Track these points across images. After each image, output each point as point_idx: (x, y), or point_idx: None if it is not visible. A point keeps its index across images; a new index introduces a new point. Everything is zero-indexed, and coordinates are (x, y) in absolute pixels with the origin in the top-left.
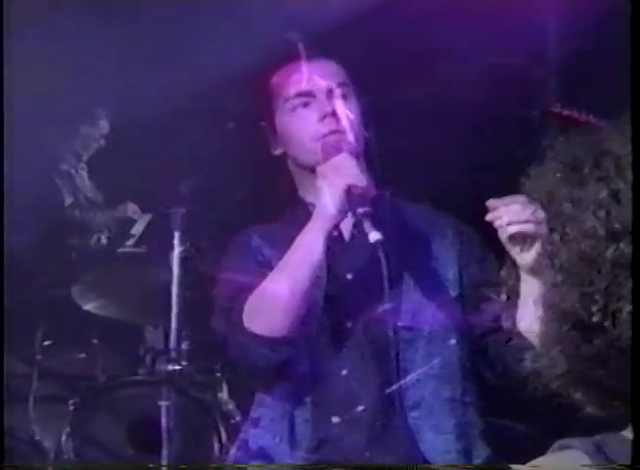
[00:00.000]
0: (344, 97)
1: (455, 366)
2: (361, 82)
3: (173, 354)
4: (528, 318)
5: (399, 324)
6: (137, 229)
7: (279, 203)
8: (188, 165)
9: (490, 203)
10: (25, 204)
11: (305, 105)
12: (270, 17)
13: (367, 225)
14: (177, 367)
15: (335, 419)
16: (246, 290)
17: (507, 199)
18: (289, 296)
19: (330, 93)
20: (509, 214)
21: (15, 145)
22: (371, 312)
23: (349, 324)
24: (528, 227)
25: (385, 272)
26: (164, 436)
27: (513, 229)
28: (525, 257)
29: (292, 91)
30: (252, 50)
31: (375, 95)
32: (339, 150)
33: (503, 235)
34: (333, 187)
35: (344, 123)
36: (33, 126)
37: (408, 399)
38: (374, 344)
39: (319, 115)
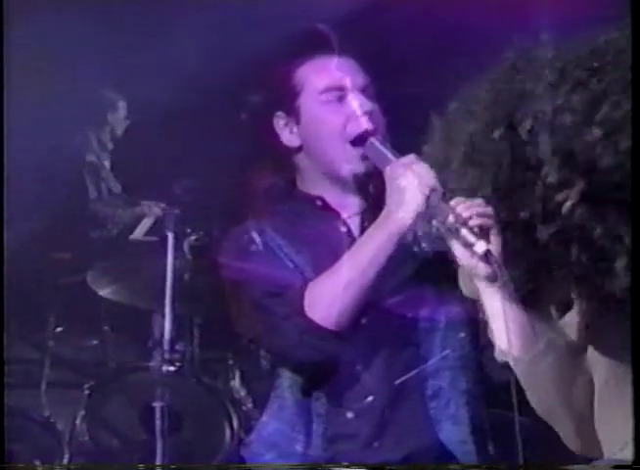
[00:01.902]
0: (372, 97)
1: (469, 359)
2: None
3: (167, 356)
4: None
5: (417, 315)
6: (144, 226)
7: (276, 195)
8: (189, 162)
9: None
10: (44, 190)
11: (339, 99)
12: (287, 8)
13: (466, 234)
14: (172, 368)
15: (349, 415)
16: (282, 280)
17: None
18: (355, 292)
19: (364, 90)
20: (471, 209)
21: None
22: (388, 305)
23: (364, 320)
24: (485, 221)
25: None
26: (159, 436)
27: (475, 220)
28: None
29: (325, 84)
30: (269, 41)
31: (392, 95)
32: (384, 157)
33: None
34: (414, 190)
35: (377, 124)
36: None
37: (427, 388)
38: (391, 336)
39: (356, 112)
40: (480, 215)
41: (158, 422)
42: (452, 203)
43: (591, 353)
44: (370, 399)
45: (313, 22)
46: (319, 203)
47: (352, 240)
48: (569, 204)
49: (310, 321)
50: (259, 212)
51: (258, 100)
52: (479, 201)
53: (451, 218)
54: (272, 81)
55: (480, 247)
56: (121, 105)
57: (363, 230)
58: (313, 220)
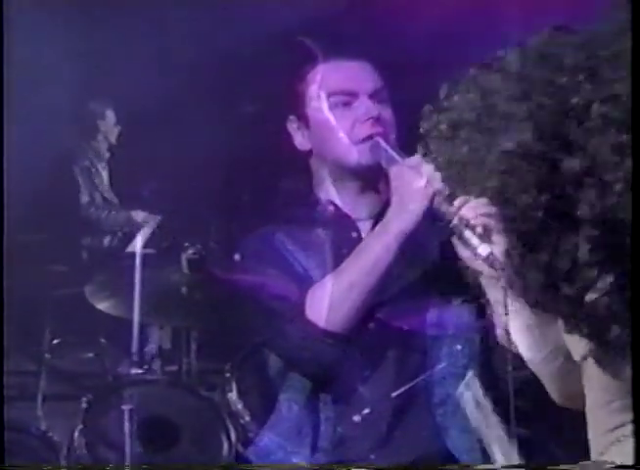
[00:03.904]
0: (384, 100)
1: (476, 367)
2: (393, 86)
3: (135, 358)
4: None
5: (425, 323)
6: (141, 238)
7: (293, 201)
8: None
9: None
10: (40, 200)
11: (346, 104)
12: (299, 15)
13: (470, 236)
14: (140, 371)
15: (356, 418)
16: (289, 284)
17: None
18: (358, 294)
19: (372, 95)
20: (475, 210)
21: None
22: (394, 312)
23: (371, 325)
24: (489, 221)
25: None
26: (127, 439)
27: (478, 222)
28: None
29: (334, 88)
30: (277, 44)
31: (407, 98)
32: (390, 158)
33: (466, 230)
34: (420, 191)
35: (385, 127)
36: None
37: (435, 396)
38: (398, 343)
39: (363, 117)
40: (483, 216)
41: (127, 424)
42: (456, 202)
43: (589, 369)
44: (375, 405)
45: (326, 24)
46: (331, 208)
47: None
48: (592, 297)
49: (311, 324)
50: (273, 217)
51: (268, 105)
52: (482, 200)
53: (455, 221)
54: (283, 85)
55: (484, 250)
56: (111, 114)
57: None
58: (325, 225)
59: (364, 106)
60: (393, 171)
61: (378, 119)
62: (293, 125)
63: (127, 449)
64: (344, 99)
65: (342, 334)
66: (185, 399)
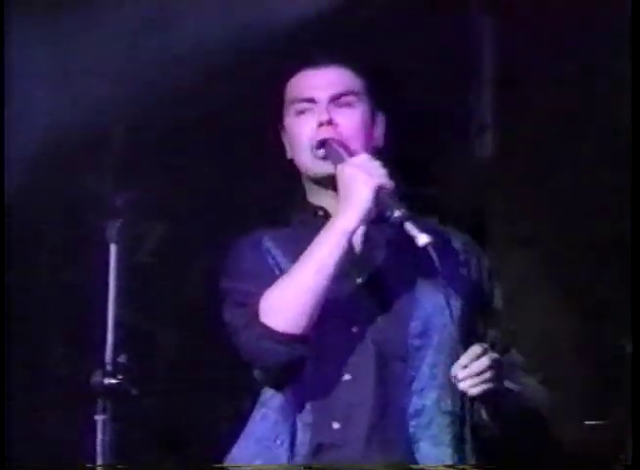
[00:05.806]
0: (349, 105)
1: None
2: (378, 90)
3: (109, 368)
4: None
5: (409, 331)
6: (145, 248)
7: (288, 206)
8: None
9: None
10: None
11: (305, 111)
12: (284, 18)
13: (411, 228)
14: (113, 381)
15: (335, 425)
16: (255, 289)
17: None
18: (309, 294)
19: (332, 101)
20: (475, 376)
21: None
22: (379, 318)
23: (355, 329)
24: (490, 386)
25: (439, 270)
26: (99, 448)
27: (475, 391)
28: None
29: (295, 96)
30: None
31: (392, 102)
32: (339, 157)
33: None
34: (361, 186)
35: (343, 132)
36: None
37: (410, 406)
38: (380, 350)
39: (316, 122)
40: None
41: (99, 435)
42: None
43: None
44: (355, 411)
45: (305, 27)
46: (321, 212)
47: (349, 249)
48: None
49: (265, 327)
50: (263, 220)
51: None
52: None
53: (397, 213)
54: (268, 95)
55: (422, 239)
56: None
57: (364, 235)
58: (315, 230)
59: (318, 112)
60: (338, 170)
61: (330, 123)
62: (283, 134)
63: (99, 460)
64: (303, 106)
65: (299, 335)
66: (191, 409)
